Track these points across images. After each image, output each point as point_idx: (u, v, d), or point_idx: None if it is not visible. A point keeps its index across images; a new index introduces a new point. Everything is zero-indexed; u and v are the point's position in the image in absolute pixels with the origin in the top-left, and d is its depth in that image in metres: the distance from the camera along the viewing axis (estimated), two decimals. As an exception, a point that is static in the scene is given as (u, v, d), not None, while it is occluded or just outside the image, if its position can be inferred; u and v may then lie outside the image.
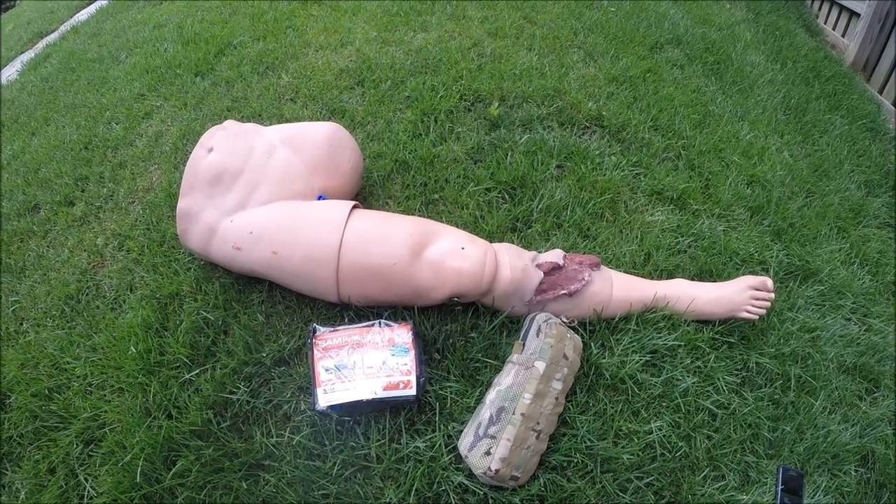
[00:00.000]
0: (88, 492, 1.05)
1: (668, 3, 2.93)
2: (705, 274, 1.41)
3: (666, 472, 1.07)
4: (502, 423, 0.99)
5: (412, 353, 1.10)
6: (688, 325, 1.26)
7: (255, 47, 2.31)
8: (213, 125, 1.38)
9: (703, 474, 1.07)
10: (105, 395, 1.18)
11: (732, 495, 1.04)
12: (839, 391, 1.27)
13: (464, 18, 2.43)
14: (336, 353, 1.10)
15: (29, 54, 3.29)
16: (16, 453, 1.14)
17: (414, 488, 1.01)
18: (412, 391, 1.06)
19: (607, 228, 1.48)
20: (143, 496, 1.03)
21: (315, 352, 1.10)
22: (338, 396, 1.05)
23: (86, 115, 2.13)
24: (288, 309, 1.27)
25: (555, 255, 1.21)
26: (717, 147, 1.85)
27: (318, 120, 1.81)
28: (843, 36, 3.13)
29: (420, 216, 1.39)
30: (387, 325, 1.14)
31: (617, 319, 1.24)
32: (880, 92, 2.69)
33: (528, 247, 1.38)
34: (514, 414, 1.00)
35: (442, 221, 1.38)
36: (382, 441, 1.07)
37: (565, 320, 1.17)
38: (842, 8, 3.15)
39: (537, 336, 1.09)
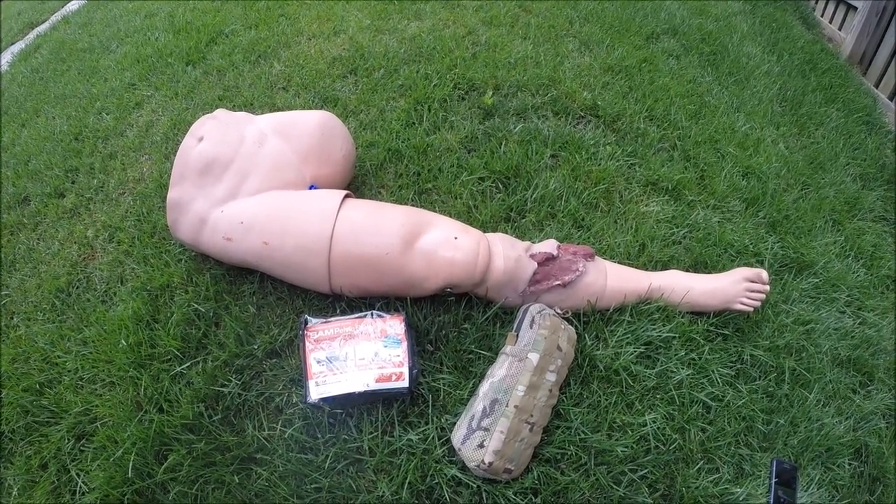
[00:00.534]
0: (80, 487, 1.04)
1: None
2: (700, 265, 1.40)
3: (660, 465, 1.06)
4: (496, 415, 0.99)
5: (405, 344, 1.09)
6: (682, 317, 1.25)
7: (247, 36, 2.29)
8: (204, 114, 1.36)
9: (697, 467, 1.07)
10: (96, 390, 1.17)
11: (726, 488, 1.04)
12: (833, 384, 1.27)
13: (458, 7, 2.41)
14: (328, 345, 1.09)
15: (19, 45, 3.25)
16: (7, 449, 1.13)
17: (407, 481, 1.00)
18: (405, 383, 1.05)
19: (602, 219, 1.47)
20: (135, 491, 1.02)
21: (307, 343, 1.09)
22: (330, 389, 1.04)
23: (76, 106, 2.10)
24: (279, 300, 1.26)
25: (549, 246, 1.20)
26: (712, 138, 1.84)
27: (310, 109, 1.79)
28: (839, 29, 3.12)
29: (413, 206, 1.37)
30: (379, 316, 1.13)
31: (611, 311, 1.24)
32: (876, 85, 2.68)
33: (521, 237, 1.37)
34: (507, 406, 0.99)
35: (435, 211, 1.37)
36: (375, 434, 1.06)
37: (559, 311, 1.16)
38: (839, 1, 3.14)
39: (531, 327, 1.08)
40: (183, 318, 1.23)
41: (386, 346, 1.08)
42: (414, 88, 1.83)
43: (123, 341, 1.19)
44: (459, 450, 0.99)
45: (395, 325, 1.11)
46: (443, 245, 1.11)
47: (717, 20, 2.79)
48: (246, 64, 2.10)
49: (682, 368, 1.17)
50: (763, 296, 1.27)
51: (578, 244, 1.34)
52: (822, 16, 3.37)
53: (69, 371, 1.20)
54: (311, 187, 1.27)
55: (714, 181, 1.67)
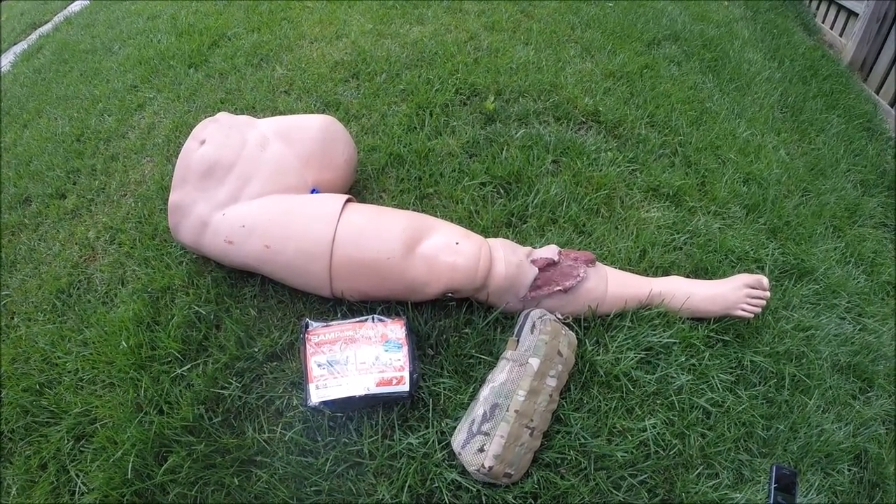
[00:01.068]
0: (80, 488, 1.04)
1: (666, 0, 2.92)
2: (700, 271, 1.41)
3: (659, 470, 1.06)
4: (496, 419, 0.99)
5: (405, 348, 1.09)
6: (683, 323, 1.25)
7: (250, 39, 2.29)
8: (206, 117, 1.37)
9: (696, 472, 1.07)
10: (96, 391, 1.17)
11: (726, 493, 1.04)
12: (833, 390, 1.27)
13: (460, 12, 2.42)
14: (329, 349, 1.09)
15: (22, 45, 3.26)
16: (7, 449, 1.13)
17: (407, 485, 1.00)
18: (405, 387, 1.05)
19: (603, 224, 1.47)
20: (135, 492, 1.02)
21: (307, 347, 1.09)
22: (330, 392, 1.04)
23: (78, 107, 2.11)
24: (280, 303, 1.26)
25: (550, 251, 1.20)
26: (713, 144, 1.85)
27: (312, 112, 1.79)
28: (840, 35, 3.12)
29: (414, 210, 1.38)
30: (380, 320, 1.13)
31: (612, 316, 1.24)
32: (877, 92, 2.68)
33: (523, 242, 1.38)
34: (507, 411, 0.99)
35: (436, 216, 1.37)
36: (375, 437, 1.06)
37: (560, 316, 1.16)
38: (840, 7, 3.14)
39: (532, 332, 1.09)
40: (184, 321, 1.23)
41: (387, 351, 1.08)
42: (416, 93, 1.84)
43: (124, 343, 1.19)
44: (459, 454, 0.99)
45: (395, 330, 1.12)
46: (444, 250, 1.11)
47: (718, 26, 2.80)
48: (248, 67, 2.10)
49: (683, 374, 1.17)
50: (763, 302, 1.27)
51: (580, 250, 1.34)
52: (822, 22, 3.38)
53: (69, 372, 1.20)
54: (312, 191, 1.27)
55: (715, 187, 1.67)
